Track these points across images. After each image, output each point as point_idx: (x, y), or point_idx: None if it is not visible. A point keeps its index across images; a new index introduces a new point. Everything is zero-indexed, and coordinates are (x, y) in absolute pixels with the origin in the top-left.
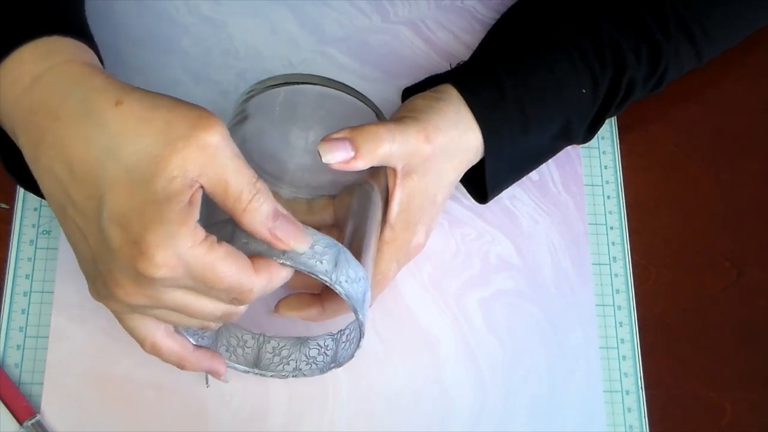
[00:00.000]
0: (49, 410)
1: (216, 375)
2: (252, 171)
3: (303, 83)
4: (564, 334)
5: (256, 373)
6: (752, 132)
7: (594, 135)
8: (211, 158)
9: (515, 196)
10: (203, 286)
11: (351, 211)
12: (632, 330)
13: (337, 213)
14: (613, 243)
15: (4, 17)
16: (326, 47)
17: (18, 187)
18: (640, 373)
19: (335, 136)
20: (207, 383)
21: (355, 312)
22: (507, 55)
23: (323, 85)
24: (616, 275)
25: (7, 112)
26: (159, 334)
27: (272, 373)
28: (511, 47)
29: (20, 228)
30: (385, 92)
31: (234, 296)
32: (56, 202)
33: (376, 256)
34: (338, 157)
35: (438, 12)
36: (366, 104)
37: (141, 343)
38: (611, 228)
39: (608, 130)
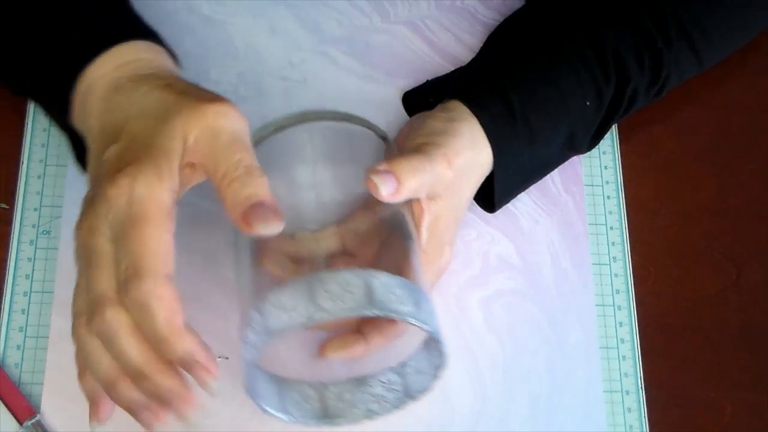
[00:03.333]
0: (49, 410)
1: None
2: (250, 155)
3: (299, 123)
4: (564, 334)
5: (332, 424)
6: (752, 132)
7: (597, 143)
8: (214, 132)
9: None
10: (119, 231)
11: (383, 240)
12: (632, 330)
13: (347, 240)
14: (613, 243)
15: (81, 27)
16: (326, 47)
17: (18, 187)
18: (640, 373)
19: (380, 168)
20: None
21: (441, 343)
22: (511, 68)
23: (321, 119)
24: (616, 275)
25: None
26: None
27: (345, 420)
28: (514, 58)
29: (20, 228)
30: (385, 92)
31: (128, 268)
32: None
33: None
34: (387, 189)
35: (438, 12)
36: (369, 128)
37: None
38: (611, 228)
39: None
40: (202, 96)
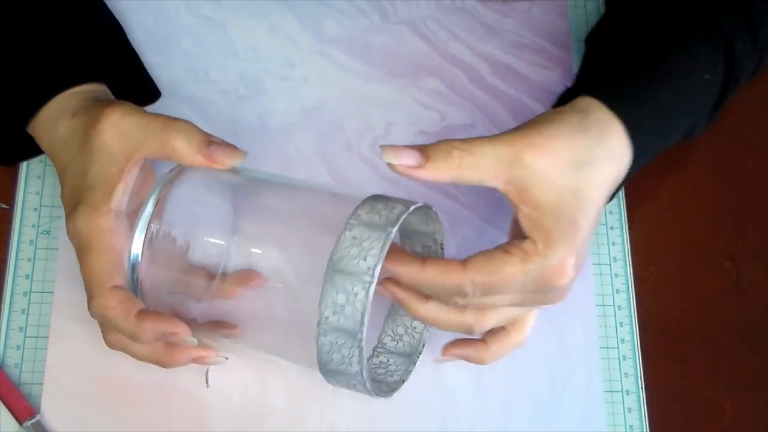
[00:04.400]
0: (49, 410)
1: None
2: (162, 117)
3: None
4: (564, 334)
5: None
6: (752, 132)
7: (710, 124)
8: (123, 131)
9: None
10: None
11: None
12: (632, 330)
13: None
14: (613, 243)
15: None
16: (326, 47)
17: (18, 187)
18: (640, 373)
19: (400, 145)
20: (207, 383)
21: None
22: (630, 62)
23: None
24: (616, 275)
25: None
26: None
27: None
28: (628, 54)
29: (20, 228)
30: (385, 92)
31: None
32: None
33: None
34: (404, 161)
35: (438, 12)
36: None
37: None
38: (611, 228)
39: None
40: (94, 115)
